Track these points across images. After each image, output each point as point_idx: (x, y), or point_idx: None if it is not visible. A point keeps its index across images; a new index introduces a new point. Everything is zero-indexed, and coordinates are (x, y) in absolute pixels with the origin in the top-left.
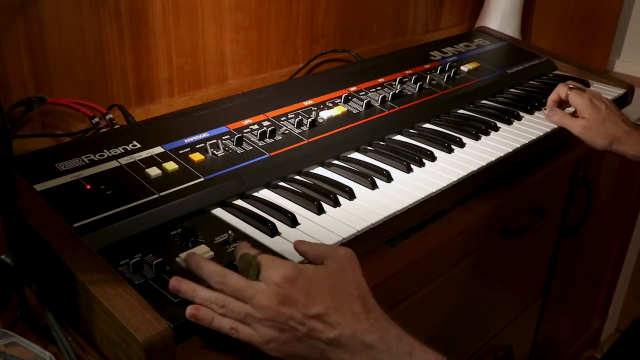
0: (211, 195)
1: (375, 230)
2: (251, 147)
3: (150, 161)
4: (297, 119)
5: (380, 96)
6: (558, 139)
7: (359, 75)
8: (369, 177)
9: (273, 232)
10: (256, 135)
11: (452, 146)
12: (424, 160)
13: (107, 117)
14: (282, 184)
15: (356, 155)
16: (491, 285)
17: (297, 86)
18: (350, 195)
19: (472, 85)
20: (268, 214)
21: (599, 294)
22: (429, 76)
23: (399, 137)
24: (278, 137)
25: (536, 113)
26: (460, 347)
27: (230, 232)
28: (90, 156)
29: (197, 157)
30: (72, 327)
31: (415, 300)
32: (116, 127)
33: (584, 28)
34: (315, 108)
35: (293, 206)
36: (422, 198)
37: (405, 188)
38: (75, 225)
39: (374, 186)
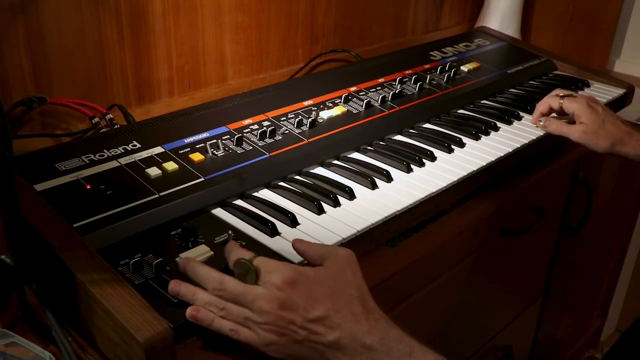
0: (211, 195)
1: (375, 230)
2: (251, 147)
3: (150, 161)
4: (297, 119)
5: (380, 96)
6: (558, 139)
7: (359, 75)
8: (369, 177)
9: (273, 232)
10: (256, 135)
11: (452, 146)
12: (424, 160)
13: (107, 117)
14: (282, 184)
15: (356, 155)
16: (491, 285)
17: (297, 86)
18: (350, 195)
19: (472, 85)
20: (268, 214)
21: (599, 294)
22: (429, 76)
23: (399, 137)
24: (278, 137)
25: None
26: (460, 347)
27: (230, 232)
28: (90, 156)
29: (197, 157)
30: (72, 327)
31: (415, 300)
32: (116, 127)
33: (584, 28)
34: (315, 108)
35: (293, 206)
36: (422, 198)
37: (405, 188)
38: (75, 225)
39: (374, 186)
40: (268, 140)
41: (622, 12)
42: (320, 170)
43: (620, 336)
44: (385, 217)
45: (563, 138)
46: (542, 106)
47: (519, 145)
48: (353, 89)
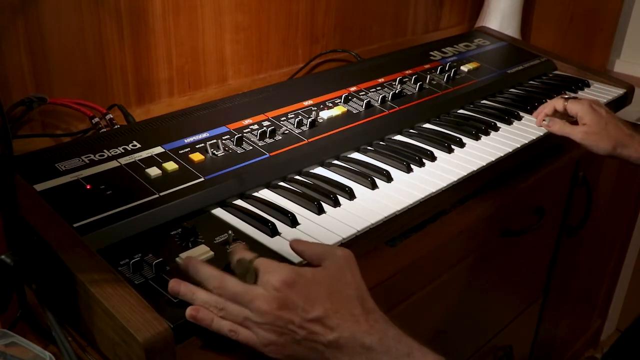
0: (211, 195)
1: (375, 230)
2: (251, 147)
3: (150, 161)
4: (297, 119)
5: (380, 96)
6: (558, 139)
7: (359, 75)
8: (369, 177)
9: (273, 232)
10: (256, 135)
11: (452, 146)
12: (424, 160)
13: (107, 117)
14: (282, 184)
15: (356, 155)
16: (491, 285)
17: (297, 86)
18: (350, 195)
19: (472, 85)
20: (268, 214)
21: (599, 294)
22: (429, 76)
23: (399, 137)
24: (278, 137)
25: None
26: (460, 347)
27: (230, 232)
28: (90, 156)
29: (197, 157)
30: (72, 327)
31: (415, 300)
32: (116, 127)
33: (584, 28)
34: (315, 108)
35: (293, 206)
36: (422, 198)
37: (405, 188)
38: (75, 225)
39: (374, 186)
40: (268, 140)
41: (622, 12)
42: (320, 170)
43: (619, 336)
44: (385, 217)
45: (564, 138)
46: (546, 108)
47: (519, 145)
48: (353, 89)
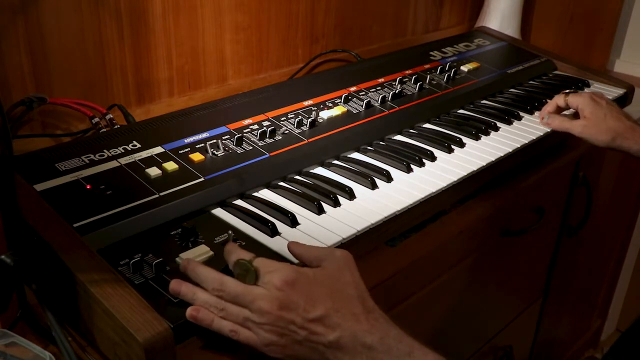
0: (211, 195)
1: (375, 230)
2: (251, 147)
3: (150, 161)
4: (297, 119)
5: (380, 96)
6: (558, 139)
7: (359, 75)
8: (369, 177)
9: (273, 232)
10: (256, 135)
11: (452, 146)
12: (424, 160)
13: (107, 117)
14: (282, 184)
15: (356, 155)
16: (491, 285)
17: (297, 86)
18: (350, 195)
19: (472, 85)
20: (268, 214)
21: (599, 294)
22: (429, 76)
23: (399, 137)
24: (278, 137)
25: (536, 113)
26: (460, 347)
27: (230, 232)
28: (90, 156)
29: (197, 157)
30: (72, 327)
31: (415, 300)
32: (116, 127)
33: (584, 28)
34: (315, 108)
35: (293, 206)
36: (422, 198)
37: (405, 188)
38: (75, 225)
39: (374, 186)
40: (268, 140)
41: (622, 12)
42: (320, 170)
43: (620, 336)
44: (385, 217)
45: (566, 135)
46: (549, 106)
47: (519, 145)
48: (353, 89)
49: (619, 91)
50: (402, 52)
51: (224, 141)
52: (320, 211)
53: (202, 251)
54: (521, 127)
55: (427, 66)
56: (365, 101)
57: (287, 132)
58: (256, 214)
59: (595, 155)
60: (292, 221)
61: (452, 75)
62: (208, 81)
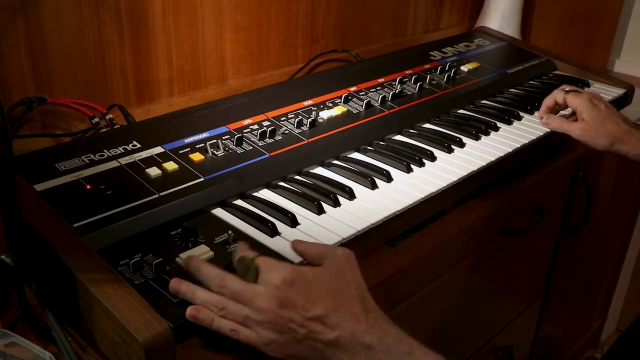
0: (211, 195)
1: (375, 230)
2: (251, 147)
3: (150, 161)
4: (297, 119)
5: (380, 96)
6: (558, 139)
7: (359, 75)
8: (369, 177)
9: (273, 232)
10: (256, 135)
11: (452, 146)
12: (424, 160)
13: (107, 117)
14: (282, 184)
15: (356, 155)
16: (491, 285)
17: (297, 86)
18: (350, 195)
19: (472, 85)
20: (268, 214)
21: (599, 294)
22: (429, 76)
23: (399, 137)
24: (278, 137)
25: (536, 113)
26: (460, 347)
27: (230, 232)
28: (90, 156)
29: (197, 157)
30: (72, 327)
31: (415, 300)
32: (116, 127)
33: (584, 28)
34: (315, 108)
35: (293, 206)
36: (422, 198)
37: (405, 188)
38: (75, 225)
39: (374, 186)
40: (268, 140)
41: (622, 12)
42: (320, 170)
43: (619, 336)
44: (385, 217)
45: (564, 136)
46: (548, 100)
47: (519, 145)
48: (353, 89)
49: (619, 91)
50: (402, 52)
51: (224, 141)
52: (320, 211)
53: (202, 251)
54: (521, 127)
55: (427, 66)
56: (365, 101)
57: (287, 132)
58: (256, 214)
59: (595, 156)
60: (292, 221)
61: (452, 75)
62: (208, 81)
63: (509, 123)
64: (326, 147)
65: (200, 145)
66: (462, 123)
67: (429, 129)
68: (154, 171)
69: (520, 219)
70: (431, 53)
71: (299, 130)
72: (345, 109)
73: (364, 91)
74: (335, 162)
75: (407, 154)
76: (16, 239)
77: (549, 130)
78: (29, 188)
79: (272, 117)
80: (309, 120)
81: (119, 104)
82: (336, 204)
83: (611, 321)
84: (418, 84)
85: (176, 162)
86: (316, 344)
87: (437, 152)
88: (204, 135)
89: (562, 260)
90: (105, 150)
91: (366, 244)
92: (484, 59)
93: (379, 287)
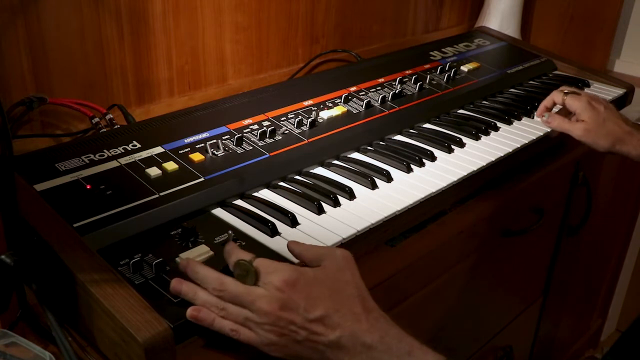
0: (211, 195)
1: (375, 230)
2: (251, 147)
3: (150, 161)
4: (297, 119)
5: (380, 96)
6: (558, 139)
7: (359, 75)
8: (369, 177)
9: (273, 232)
10: (256, 135)
11: (452, 146)
12: (424, 160)
13: (107, 117)
14: (282, 184)
15: (356, 155)
16: (491, 285)
17: (297, 86)
18: (350, 195)
19: (472, 85)
20: (268, 214)
21: (599, 294)
22: (429, 76)
23: (399, 137)
24: (278, 137)
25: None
26: (460, 347)
27: (230, 232)
28: (90, 156)
29: (197, 157)
30: (72, 327)
31: (415, 300)
32: (116, 127)
33: (584, 28)
34: (315, 108)
35: (293, 206)
36: (422, 198)
37: (405, 188)
38: (75, 225)
39: (374, 186)
40: (268, 140)
41: (622, 12)
42: (320, 170)
43: (620, 336)
44: (385, 217)
45: (564, 136)
46: (546, 101)
47: (519, 145)
48: (353, 89)
49: (619, 91)
50: (402, 52)
51: (224, 141)
52: (320, 211)
53: (202, 251)
54: (521, 127)
55: (427, 66)
56: (365, 101)
57: (287, 132)
58: (256, 214)
59: (595, 156)
60: (292, 221)
61: (452, 75)
62: (208, 81)
63: (509, 123)
64: (326, 147)
65: (200, 145)
66: (462, 123)
67: (429, 129)
68: (154, 171)
69: (521, 219)
70: (431, 53)
71: (299, 130)
72: (345, 109)
73: (364, 91)
74: (335, 162)
75: (407, 154)
76: (16, 239)
77: (548, 130)
78: (29, 188)
79: (272, 117)
80: (309, 120)
81: (119, 104)
82: (336, 204)
83: (611, 321)
84: (418, 84)
85: (176, 162)
86: (317, 345)
87: (437, 152)
88: (204, 135)
89: (562, 260)
90: (105, 150)
91: (366, 244)
92: (484, 59)
93: (379, 287)
